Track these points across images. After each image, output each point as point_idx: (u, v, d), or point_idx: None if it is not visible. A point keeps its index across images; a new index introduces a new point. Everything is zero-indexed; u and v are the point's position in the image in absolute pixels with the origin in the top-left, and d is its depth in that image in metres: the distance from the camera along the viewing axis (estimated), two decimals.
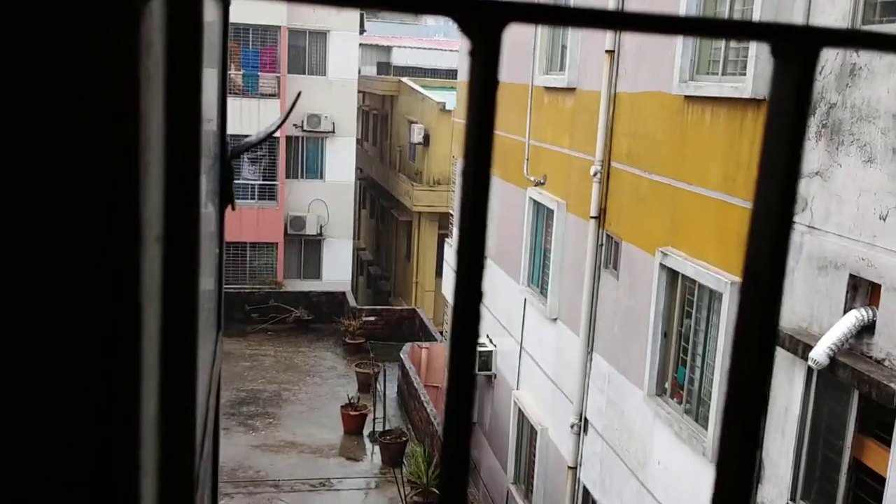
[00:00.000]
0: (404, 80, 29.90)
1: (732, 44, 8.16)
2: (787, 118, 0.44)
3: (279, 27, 24.94)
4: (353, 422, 17.55)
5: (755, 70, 7.40)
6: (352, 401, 17.82)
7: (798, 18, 6.89)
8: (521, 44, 13.37)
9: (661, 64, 9.11)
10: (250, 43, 24.94)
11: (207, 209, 1.34)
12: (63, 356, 0.56)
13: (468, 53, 0.39)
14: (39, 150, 0.52)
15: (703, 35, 0.46)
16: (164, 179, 0.72)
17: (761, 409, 0.48)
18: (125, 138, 0.54)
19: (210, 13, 1.28)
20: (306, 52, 25.92)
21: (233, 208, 1.68)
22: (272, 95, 24.70)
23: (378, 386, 18.29)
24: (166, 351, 0.74)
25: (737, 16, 8.06)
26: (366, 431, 17.56)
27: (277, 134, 24.50)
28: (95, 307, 0.55)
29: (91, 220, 0.54)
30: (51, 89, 0.52)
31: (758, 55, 7.38)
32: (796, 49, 0.44)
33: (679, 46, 8.68)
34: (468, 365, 0.43)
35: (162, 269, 0.72)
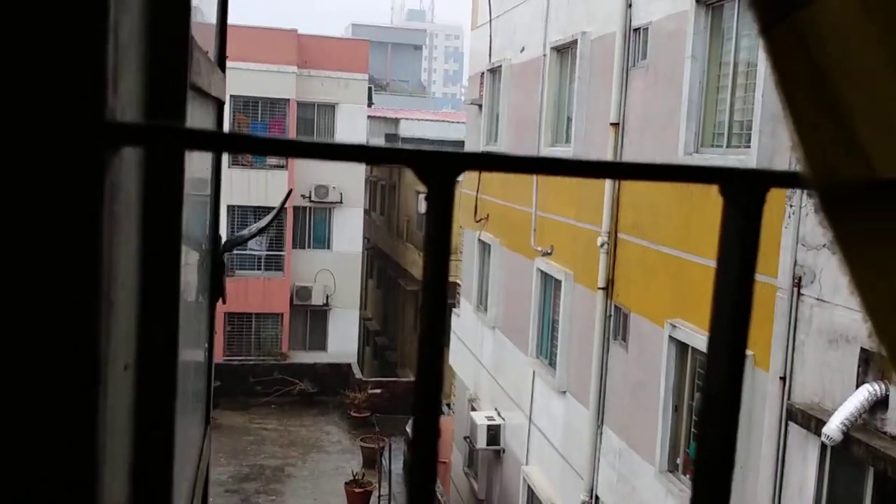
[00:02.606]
0: None
1: (737, 116, 8.22)
2: (735, 260, 0.45)
3: (288, 100, 25.36)
4: (358, 499, 17.18)
5: (759, 142, 7.43)
6: (356, 477, 17.47)
7: None
8: (527, 116, 13.53)
9: (666, 136, 9.17)
10: (259, 115, 25.33)
11: (198, 303, 1.34)
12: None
13: (424, 198, 0.43)
14: None
15: (655, 179, 0.49)
16: (138, 309, 0.73)
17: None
18: (85, 285, 0.54)
19: (205, 118, 1.34)
20: (315, 124, 26.30)
21: (223, 302, 1.64)
22: (280, 167, 24.96)
23: (384, 461, 17.94)
24: (138, 480, 0.74)
25: (738, 104, 8.13)
26: None
27: (286, 204, 24.66)
28: (52, 443, 0.54)
29: (49, 351, 0.53)
30: (12, 235, 0.52)
31: (761, 129, 7.41)
32: (742, 191, 0.45)
33: (683, 119, 8.75)
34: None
35: (135, 396, 0.73)
